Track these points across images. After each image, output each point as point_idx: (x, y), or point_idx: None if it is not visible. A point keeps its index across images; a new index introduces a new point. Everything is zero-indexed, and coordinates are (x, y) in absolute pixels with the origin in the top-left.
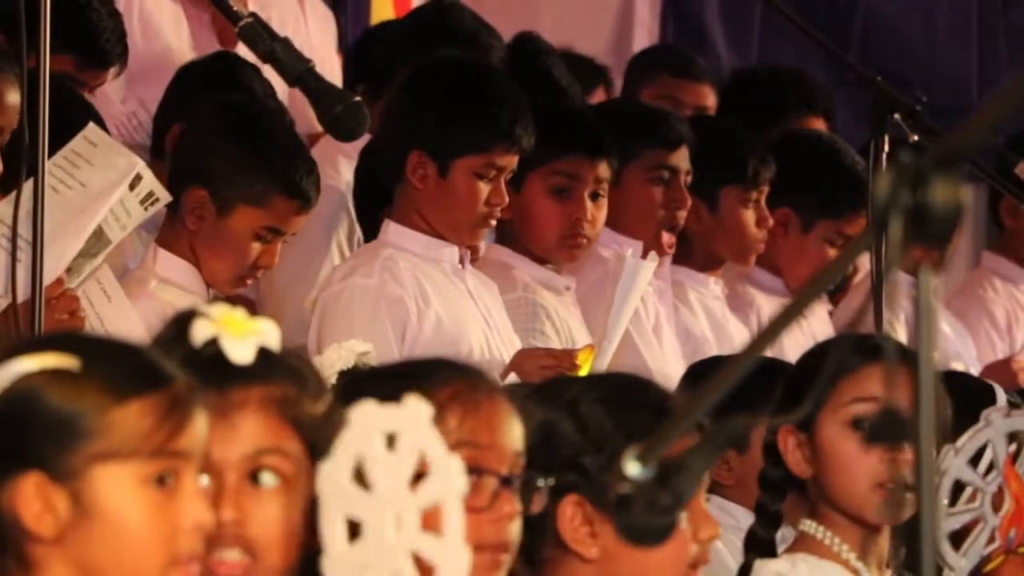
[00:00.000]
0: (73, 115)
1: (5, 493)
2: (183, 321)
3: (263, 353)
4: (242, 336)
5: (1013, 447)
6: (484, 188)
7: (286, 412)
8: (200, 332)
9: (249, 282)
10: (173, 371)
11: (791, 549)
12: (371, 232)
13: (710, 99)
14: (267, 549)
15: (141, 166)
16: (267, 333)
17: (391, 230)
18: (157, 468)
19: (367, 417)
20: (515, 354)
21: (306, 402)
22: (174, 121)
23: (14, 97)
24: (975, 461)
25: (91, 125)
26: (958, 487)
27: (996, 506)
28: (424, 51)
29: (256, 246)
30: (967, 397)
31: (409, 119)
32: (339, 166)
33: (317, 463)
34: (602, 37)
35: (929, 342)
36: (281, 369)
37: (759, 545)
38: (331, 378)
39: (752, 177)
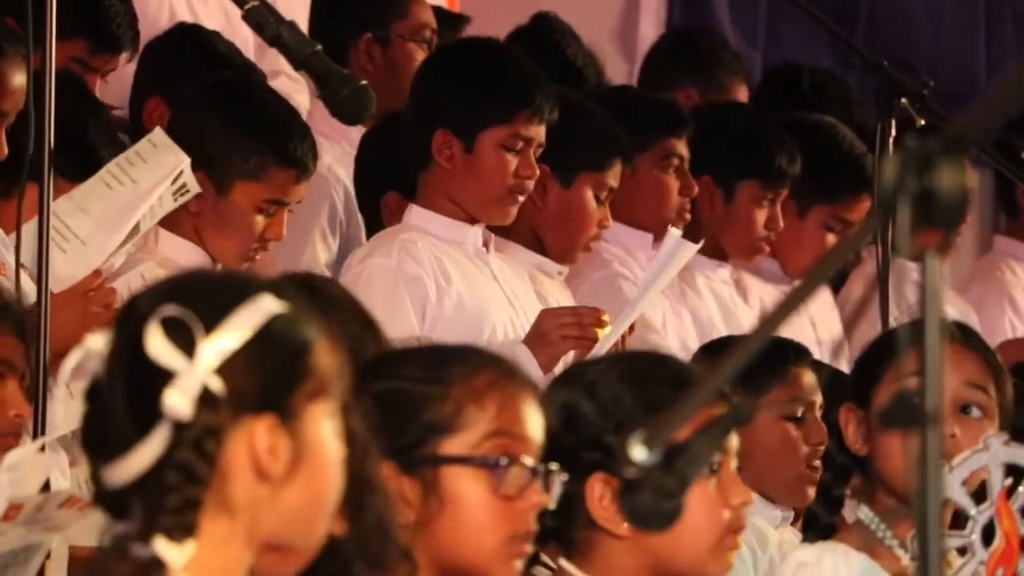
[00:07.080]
0: (83, 115)
1: (237, 436)
2: None
3: None
4: None
5: (1009, 481)
6: (512, 160)
7: None
8: None
9: (258, 257)
10: None
11: (840, 535)
12: (372, 219)
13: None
14: None
15: (186, 163)
16: None
17: (414, 213)
18: (340, 402)
19: None
20: (538, 314)
21: None
22: (148, 96)
23: (20, 80)
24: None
25: (157, 129)
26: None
27: (986, 539)
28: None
29: (260, 219)
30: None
31: (431, 100)
32: (320, 149)
33: None
34: (608, 22)
35: (935, 327)
36: None
37: (818, 528)
38: None
39: (774, 177)
